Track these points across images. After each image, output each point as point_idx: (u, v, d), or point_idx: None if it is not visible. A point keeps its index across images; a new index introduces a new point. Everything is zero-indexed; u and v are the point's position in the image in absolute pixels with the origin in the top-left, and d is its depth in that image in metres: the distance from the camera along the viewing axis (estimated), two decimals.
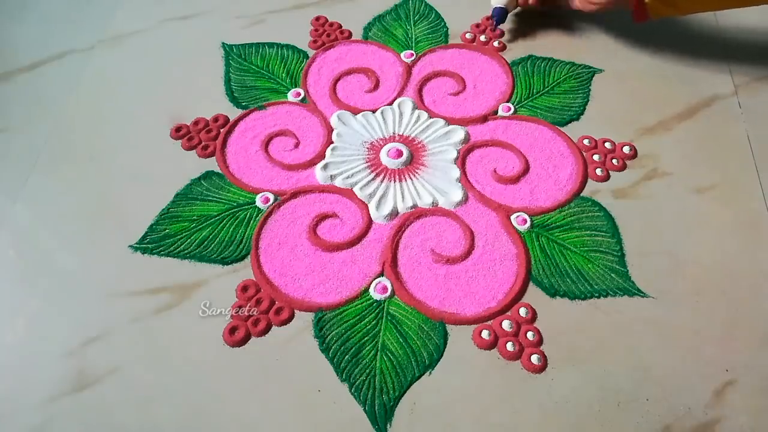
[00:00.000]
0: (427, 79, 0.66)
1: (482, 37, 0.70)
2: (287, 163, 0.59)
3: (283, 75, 0.66)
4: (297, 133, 0.61)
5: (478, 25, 0.71)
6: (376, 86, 0.65)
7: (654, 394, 0.45)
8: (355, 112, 0.63)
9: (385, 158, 0.59)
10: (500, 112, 0.63)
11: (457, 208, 0.56)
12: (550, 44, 0.69)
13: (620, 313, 0.49)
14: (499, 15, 0.68)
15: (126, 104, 0.64)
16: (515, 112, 0.63)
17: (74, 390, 0.45)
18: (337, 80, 0.66)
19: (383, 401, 0.45)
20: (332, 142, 0.60)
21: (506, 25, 0.71)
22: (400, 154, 0.58)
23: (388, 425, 0.44)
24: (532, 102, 0.64)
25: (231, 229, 0.54)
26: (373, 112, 0.63)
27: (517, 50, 0.68)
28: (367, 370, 0.46)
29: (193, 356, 0.47)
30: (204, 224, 0.54)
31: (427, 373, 0.46)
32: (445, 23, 0.72)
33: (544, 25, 0.71)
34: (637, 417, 0.44)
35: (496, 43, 0.69)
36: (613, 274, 0.51)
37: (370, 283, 0.51)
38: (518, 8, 0.70)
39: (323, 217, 0.55)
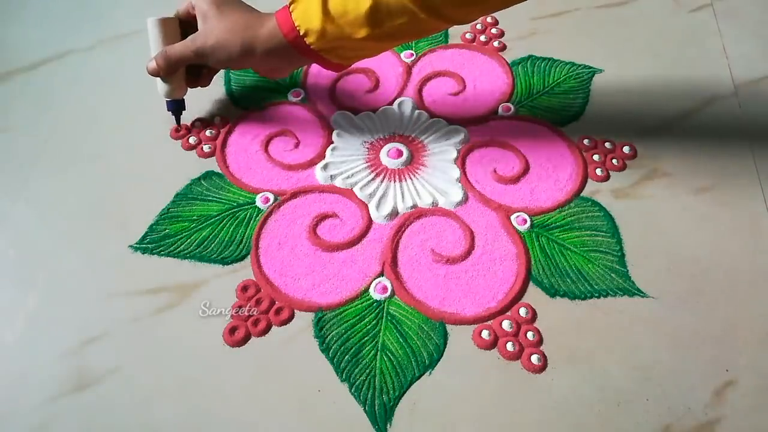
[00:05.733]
0: (427, 79, 0.66)
1: (482, 37, 0.70)
2: (287, 163, 0.59)
3: None
4: (297, 133, 0.61)
5: (478, 26, 0.71)
6: (376, 86, 0.65)
7: (654, 394, 0.45)
8: (355, 112, 0.63)
9: (385, 158, 0.59)
10: (500, 112, 0.63)
11: (457, 208, 0.56)
12: (550, 44, 0.69)
13: (620, 313, 0.49)
14: (174, 108, 0.59)
15: (126, 104, 0.64)
16: (515, 112, 0.63)
17: (74, 390, 0.45)
18: (337, 80, 0.66)
19: (383, 401, 0.45)
20: (332, 142, 0.60)
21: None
22: (400, 154, 0.58)
23: (388, 425, 0.44)
24: (532, 102, 0.64)
25: (231, 229, 0.54)
26: (373, 112, 0.63)
27: (517, 50, 0.68)
28: (367, 370, 0.46)
29: (193, 356, 0.47)
30: (204, 224, 0.54)
31: (427, 373, 0.46)
32: None
33: (544, 25, 0.71)
34: (637, 417, 0.44)
35: (496, 43, 0.69)
36: (613, 274, 0.51)
37: (370, 283, 0.51)
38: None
39: (323, 217, 0.55)
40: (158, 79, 0.56)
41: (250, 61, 0.52)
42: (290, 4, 0.48)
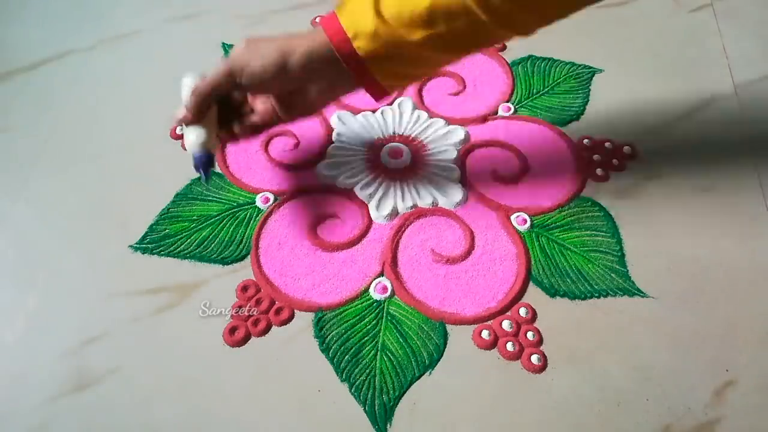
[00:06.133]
0: (427, 79, 0.66)
1: None
2: (287, 163, 0.59)
3: None
4: (297, 133, 0.61)
5: None
6: None
7: (654, 394, 0.45)
8: (355, 112, 0.63)
9: (385, 158, 0.59)
10: (500, 112, 0.63)
11: (457, 208, 0.56)
12: (550, 44, 0.69)
13: (620, 313, 0.49)
14: (205, 163, 0.47)
15: (126, 104, 0.64)
16: (515, 112, 0.63)
17: (74, 390, 0.45)
18: None
19: (383, 401, 0.45)
20: (332, 142, 0.60)
21: None
22: (400, 154, 0.58)
23: (388, 425, 0.44)
24: (532, 102, 0.64)
25: (231, 229, 0.54)
26: (373, 112, 0.63)
27: (517, 50, 0.68)
28: (367, 370, 0.46)
29: (193, 356, 0.47)
30: (204, 224, 0.54)
31: (427, 373, 0.46)
32: None
33: None
34: (637, 417, 0.44)
35: None
36: (613, 274, 0.51)
37: (370, 283, 0.51)
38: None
39: (323, 217, 0.55)
40: (185, 129, 0.47)
41: (288, 74, 0.44)
42: (336, 9, 0.43)
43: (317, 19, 0.71)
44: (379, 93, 0.46)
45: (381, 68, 0.43)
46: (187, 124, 0.47)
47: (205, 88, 0.45)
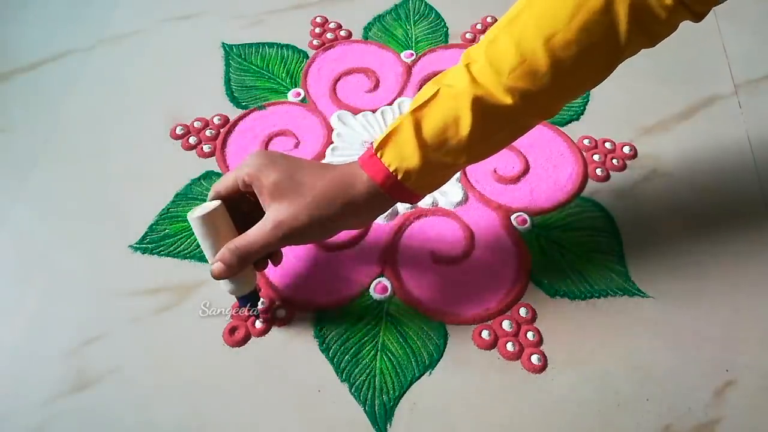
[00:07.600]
0: (427, 79, 0.66)
1: (482, 37, 0.69)
2: None
3: (283, 75, 0.66)
4: (297, 133, 0.61)
5: (478, 25, 0.71)
6: (376, 86, 0.65)
7: (654, 394, 0.45)
8: (355, 112, 0.63)
9: None
10: None
11: (456, 208, 0.56)
12: None
13: (620, 313, 0.49)
14: (252, 302, 0.47)
15: (126, 104, 0.64)
16: None
17: (74, 390, 0.45)
18: (337, 80, 0.66)
19: (383, 401, 0.45)
20: (332, 142, 0.60)
21: None
22: None
23: (388, 425, 0.44)
24: None
25: None
26: (373, 112, 0.63)
27: None
28: (367, 370, 0.46)
29: (193, 356, 0.47)
30: None
31: (427, 373, 0.46)
32: (445, 23, 0.72)
33: None
34: (637, 417, 0.44)
35: None
36: (613, 274, 0.51)
37: (370, 283, 0.51)
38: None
39: None
40: (221, 281, 0.45)
41: (348, 226, 0.45)
42: (376, 150, 0.41)
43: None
44: (415, 201, 0.45)
45: (427, 189, 0.44)
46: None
47: (254, 252, 0.42)
